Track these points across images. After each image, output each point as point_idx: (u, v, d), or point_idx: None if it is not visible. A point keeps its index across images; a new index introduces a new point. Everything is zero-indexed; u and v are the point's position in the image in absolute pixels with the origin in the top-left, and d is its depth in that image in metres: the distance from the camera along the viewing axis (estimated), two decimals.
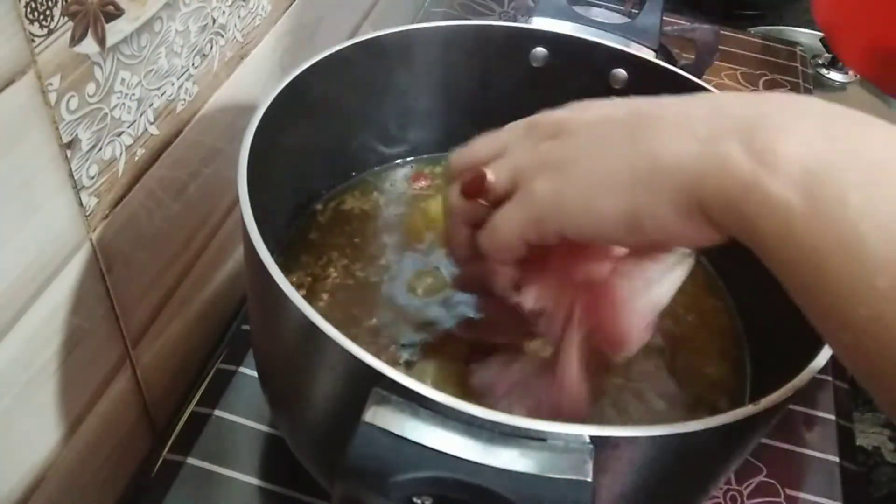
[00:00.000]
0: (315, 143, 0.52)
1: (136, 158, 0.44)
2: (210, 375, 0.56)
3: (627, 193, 0.32)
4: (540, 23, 0.57)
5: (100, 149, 0.40)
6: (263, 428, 0.53)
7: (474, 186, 0.37)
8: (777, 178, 0.28)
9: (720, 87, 0.82)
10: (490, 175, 0.36)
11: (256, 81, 0.56)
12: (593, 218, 0.33)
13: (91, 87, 0.38)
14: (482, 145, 0.39)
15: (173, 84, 0.46)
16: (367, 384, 0.32)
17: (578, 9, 0.59)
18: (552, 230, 0.34)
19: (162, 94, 0.45)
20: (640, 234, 0.32)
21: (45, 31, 0.34)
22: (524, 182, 0.35)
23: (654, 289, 0.38)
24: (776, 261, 0.29)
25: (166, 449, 0.51)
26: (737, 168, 0.29)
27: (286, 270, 0.39)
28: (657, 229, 0.32)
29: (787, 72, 0.95)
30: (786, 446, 0.57)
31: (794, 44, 1.02)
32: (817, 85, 0.97)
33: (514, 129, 0.38)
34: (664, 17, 0.60)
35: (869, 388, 0.28)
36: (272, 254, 0.36)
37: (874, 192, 0.26)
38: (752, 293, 0.52)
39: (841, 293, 0.26)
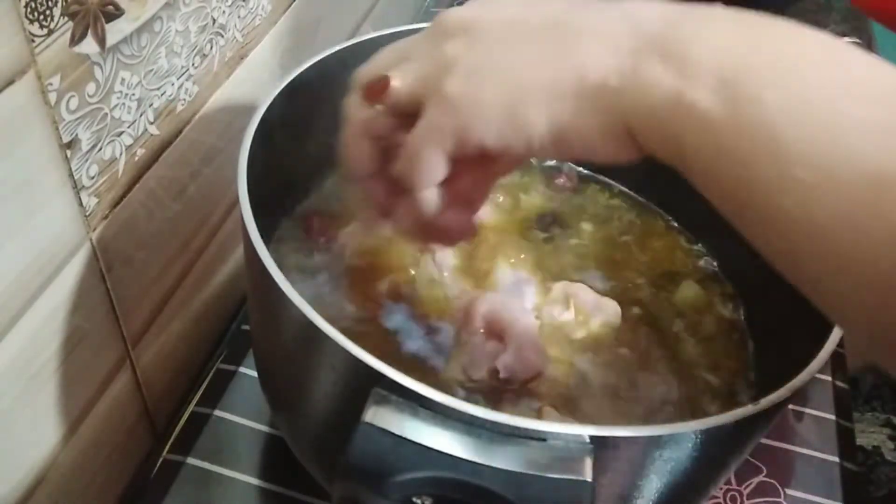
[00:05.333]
0: (315, 143, 0.52)
1: (136, 158, 0.44)
2: (210, 375, 0.56)
3: (554, 107, 0.31)
4: None
5: (100, 149, 0.40)
6: (263, 428, 0.53)
7: (375, 89, 0.35)
8: (696, 89, 0.28)
9: None
10: (394, 80, 0.34)
11: (256, 81, 0.56)
12: (519, 129, 0.32)
13: (91, 87, 0.38)
14: (385, 55, 0.37)
15: (173, 84, 0.46)
16: (367, 384, 0.32)
17: None
18: (474, 139, 0.32)
19: (162, 94, 0.45)
20: (566, 150, 0.32)
21: (45, 31, 0.34)
22: (433, 85, 0.33)
23: None
24: (703, 172, 0.29)
25: (166, 449, 0.52)
26: (658, 84, 0.29)
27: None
28: (583, 147, 0.31)
29: None
30: (786, 446, 0.57)
31: None
32: None
33: (416, 36, 0.37)
34: None
35: (819, 301, 0.28)
36: (272, 254, 0.36)
37: (786, 87, 0.27)
38: (756, 292, 0.52)
39: (767, 189, 0.27)
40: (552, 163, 0.60)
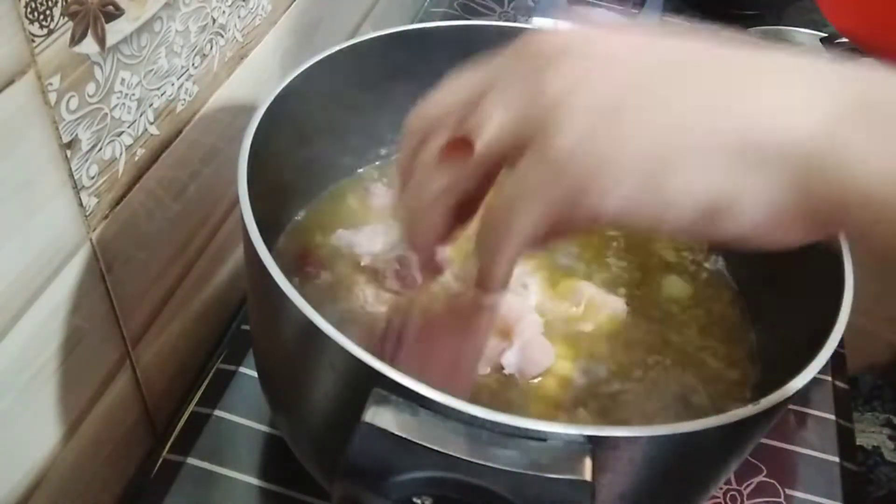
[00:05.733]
0: (315, 143, 0.52)
1: (136, 158, 0.44)
2: (210, 375, 0.56)
3: (712, 168, 0.23)
4: (540, 23, 0.57)
5: (100, 149, 0.40)
6: (263, 428, 0.53)
7: (462, 146, 0.26)
8: None
9: None
10: (486, 127, 0.25)
11: (256, 81, 0.56)
12: (657, 196, 0.23)
13: (91, 87, 0.38)
14: (457, 86, 0.28)
15: (173, 84, 0.46)
16: (367, 384, 0.32)
17: (578, 9, 0.59)
18: (592, 207, 0.24)
19: (162, 94, 0.45)
20: (712, 227, 0.24)
21: (45, 31, 0.34)
22: (536, 131, 0.24)
23: None
24: None
25: (166, 449, 0.51)
26: (882, 161, 0.22)
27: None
28: (740, 225, 0.24)
29: None
30: (786, 446, 0.57)
31: (794, 44, 1.01)
32: None
33: (497, 61, 0.27)
34: (664, 17, 0.60)
35: None
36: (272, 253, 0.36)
37: None
38: (758, 293, 0.52)
39: None
40: None
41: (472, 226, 0.31)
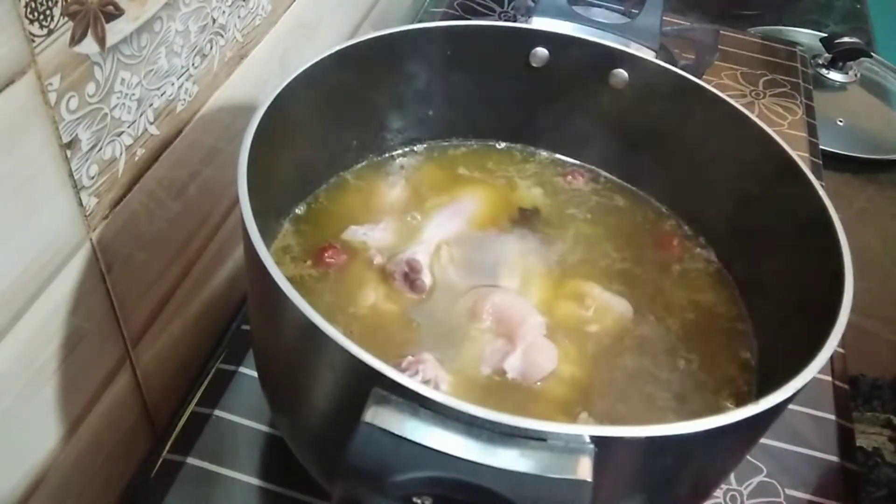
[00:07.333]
0: (315, 143, 0.52)
1: (136, 158, 0.44)
2: (210, 375, 0.56)
3: None
4: (540, 23, 0.57)
5: (100, 149, 0.40)
6: (263, 428, 0.53)
7: None
8: None
9: (720, 87, 0.82)
10: None
11: (256, 81, 0.56)
12: None
13: (91, 87, 0.38)
14: None
15: (173, 84, 0.46)
16: (367, 384, 0.32)
17: (578, 9, 0.59)
18: None
19: (162, 94, 0.45)
20: None
21: (45, 31, 0.34)
22: None
23: None
24: None
25: (166, 449, 0.52)
26: None
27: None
28: None
29: (786, 72, 0.95)
30: (786, 446, 0.57)
31: (794, 44, 1.01)
32: (817, 85, 0.97)
33: None
34: (664, 17, 0.60)
35: None
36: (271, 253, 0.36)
37: None
38: (758, 293, 0.52)
39: None
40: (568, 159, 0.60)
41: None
